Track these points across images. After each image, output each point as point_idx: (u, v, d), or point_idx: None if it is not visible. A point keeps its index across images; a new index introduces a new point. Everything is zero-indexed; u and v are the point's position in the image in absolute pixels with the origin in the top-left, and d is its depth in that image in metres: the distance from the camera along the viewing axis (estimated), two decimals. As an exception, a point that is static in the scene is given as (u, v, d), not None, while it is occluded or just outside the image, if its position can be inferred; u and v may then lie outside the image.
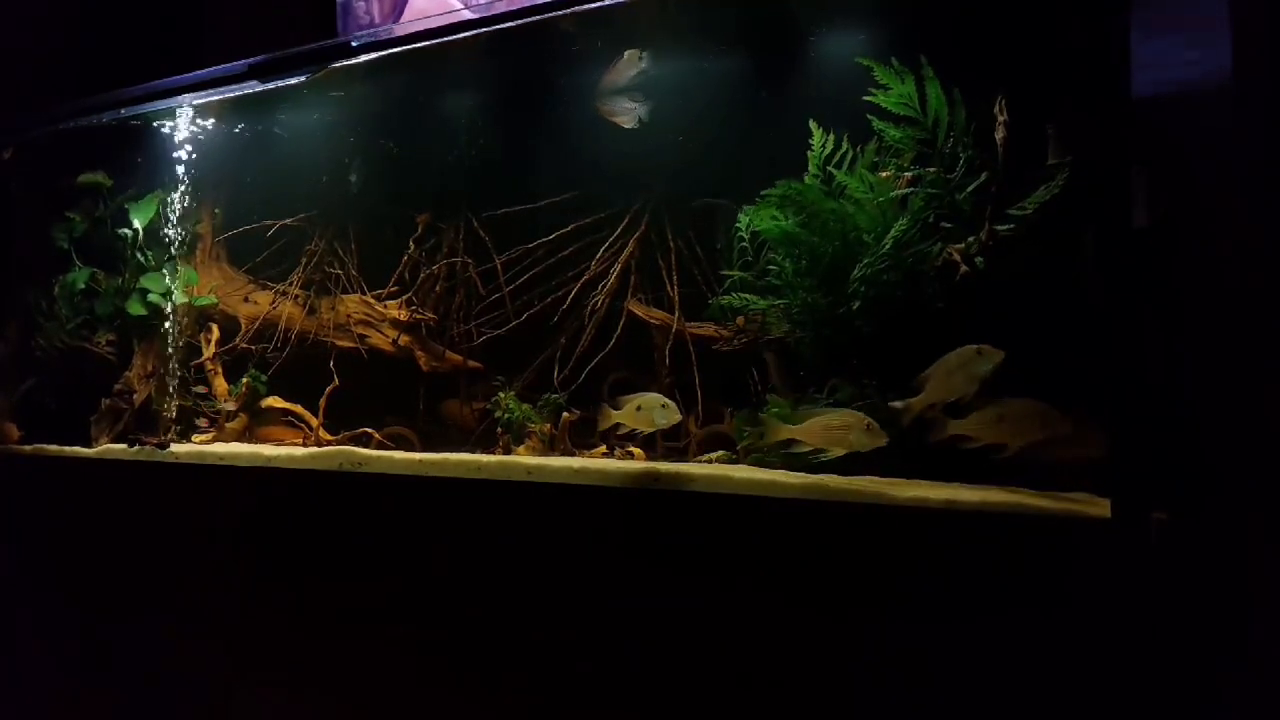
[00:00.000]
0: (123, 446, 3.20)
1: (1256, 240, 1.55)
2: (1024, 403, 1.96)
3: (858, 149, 2.35)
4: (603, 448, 2.68)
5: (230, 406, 3.25)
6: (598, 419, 2.58)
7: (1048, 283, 2.01)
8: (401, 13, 2.89)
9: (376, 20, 2.91)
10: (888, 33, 2.41)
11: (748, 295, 2.48)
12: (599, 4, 2.48)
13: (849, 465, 2.12)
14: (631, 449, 2.60)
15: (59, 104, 3.46)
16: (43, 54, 3.68)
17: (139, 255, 3.49)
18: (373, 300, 3.24)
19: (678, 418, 2.52)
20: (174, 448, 3.12)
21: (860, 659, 1.82)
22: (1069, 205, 1.99)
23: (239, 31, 3.19)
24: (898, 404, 2.09)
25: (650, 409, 2.51)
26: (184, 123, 3.58)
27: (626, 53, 2.77)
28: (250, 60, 2.97)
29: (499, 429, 2.81)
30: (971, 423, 2.00)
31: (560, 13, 2.54)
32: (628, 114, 2.76)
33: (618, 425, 2.55)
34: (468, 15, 2.66)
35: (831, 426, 2.11)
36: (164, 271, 3.48)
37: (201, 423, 3.31)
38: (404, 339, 3.15)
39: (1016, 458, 1.96)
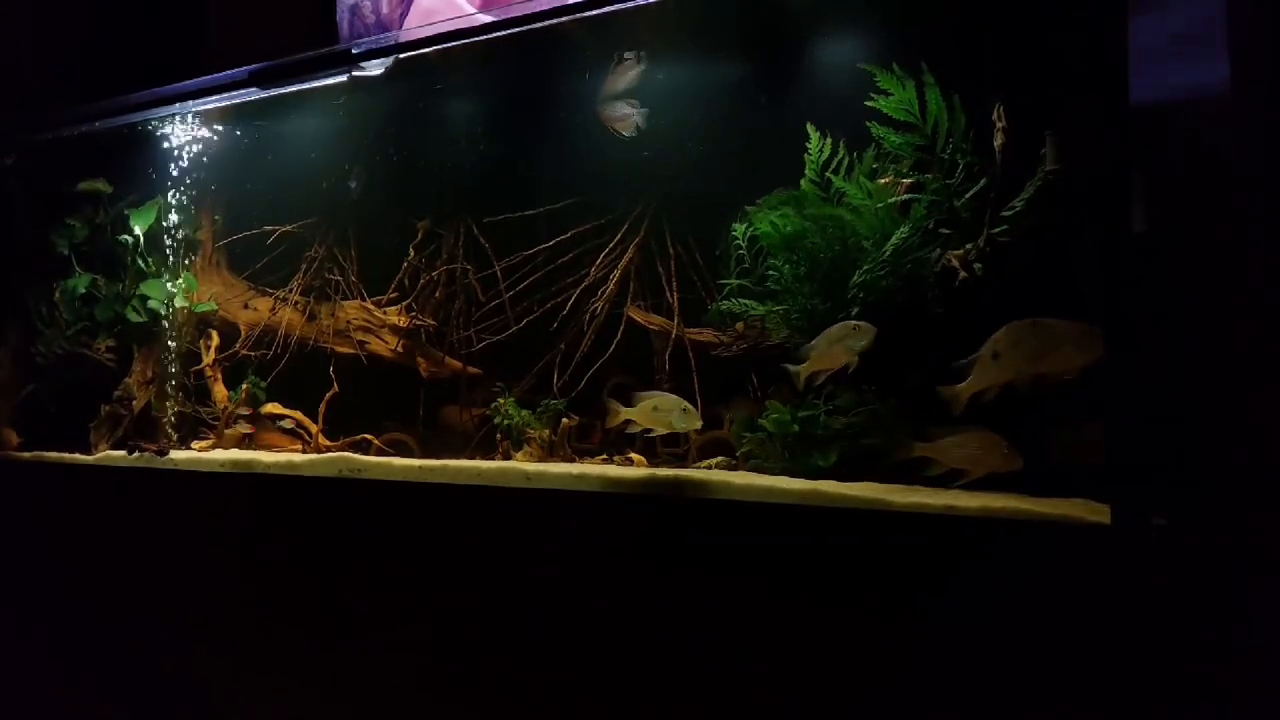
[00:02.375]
0: (122, 453, 3.20)
1: (1255, 245, 1.55)
2: (986, 434, 2.01)
3: (853, 155, 2.35)
4: (603, 455, 2.68)
5: (288, 424, 3.23)
6: (606, 415, 2.56)
7: (1046, 287, 2.01)
8: (408, 9, 2.89)
9: (384, 13, 2.90)
10: (886, 39, 2.41)
11: (747, 300, 2.48)
12: (599, 10, 2.49)
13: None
14: (631, 455, 2.60)
15: (60, 110, 3.47)
16: (44, 60, 3.69)
17: (139, 261, 3.50)
18: (372, 306, 3.24)
19: (699, 423, 2.46)
20: (173, 454, 3.12)
21: (860, 665, 1.82)
22: (1067, 210, 1.99)
23: (241, 38, 3.20)
24: (790, 367, 2.28)
25: (668, 411, 2.46)
26: (185, 129, 3.60)
27: (625, 58, 2.78)
28: (251, 67, 2.98)
29: (498, 435, 2.81)
30: (937, 448, 2.06)
31: (560, 19, 2.55)
32: (627, 120, 2.76)
33: (627, 423, 2.53)
34: (472, 21, 2.66)
35: (970, 447, 2.03)
36: (165, 278, 3.49)
37: (242, 427, 3.28)
38: (403, 345, 3.15)
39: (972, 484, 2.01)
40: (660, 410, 2.47)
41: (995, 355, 2.00)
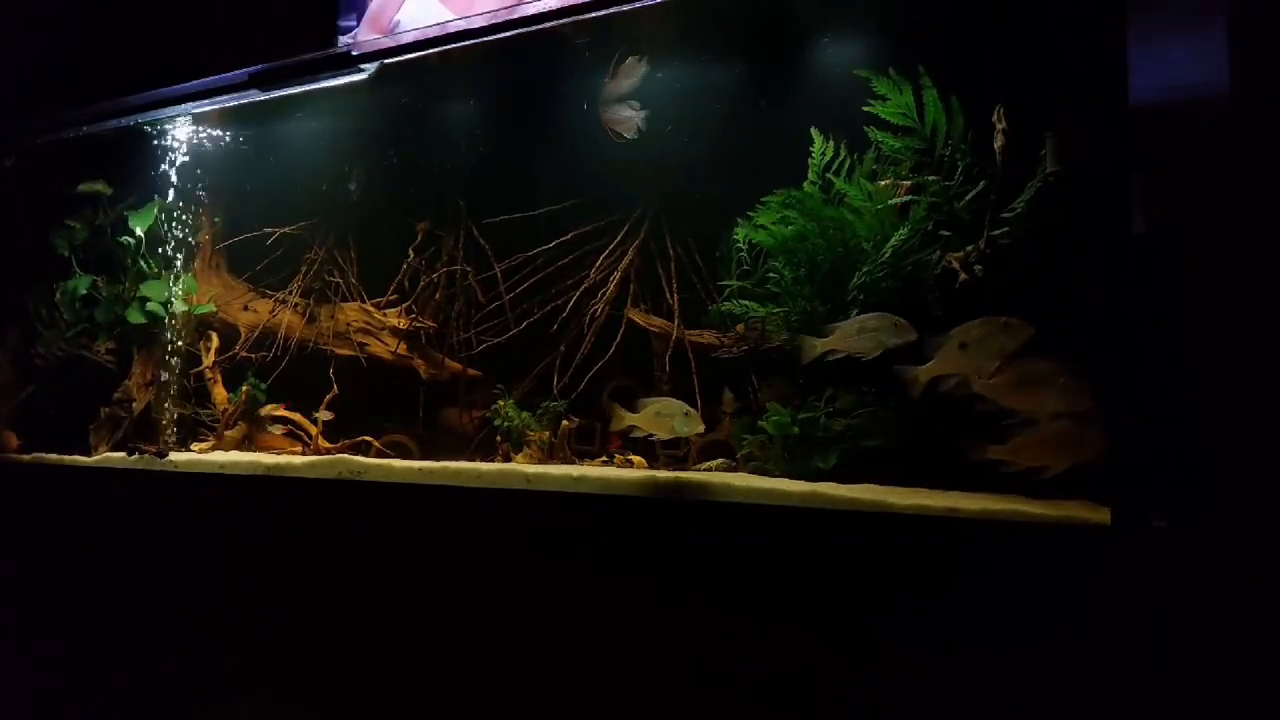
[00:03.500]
0: (122, 455, 3.20)
1: (1255, 247, 1.55)
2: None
3: (854, 157, 2.36)
4: (602, 456, 2.68)
5: (325, 416, 3.20)
6: (611, 418, 2.56)
7: (1046, 288, 2.01)
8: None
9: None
10: (886, 42, 2.41)
11: (747, 302, 2.48)
12: (599, 13, 2.49)
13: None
14: (631, 457, 2.59)
15: (60, 111, 3.47)
16: (44, 61, 3.69)
17: (139, 263, 3.49)
18: (372, 308, 3.24)
19: (700, 428, 2.47)
20: (173, 456, 3.12)
21: (860, 667, 1.82)
22: (1067, 211, 1.99)
23: (241, 40, 3.19)
24: (808, 339, 2.28)
25: (671, 415, 2.46)
26: (185, 131, 3.60)
27: (627, 61, 2.78)
28: (250, 69, 2.98)
29: (498, 437, 2.81)
30: (1011, 449, 2.00)
31: (561, 21, 2.55)
32: (628, 123, 2.76)
33: (631, 427, 2.53)
34: (477, 22, 2.66)
35: (1044, 443, 1.96)
36: (166, 279, 3.49)
37: (276, 429, 3.24)
38: (403, 347, 3.15)
39: (1059, 477, 1.94)
40: (663, 415, 2.47)
41: (963, 345, 2.01)
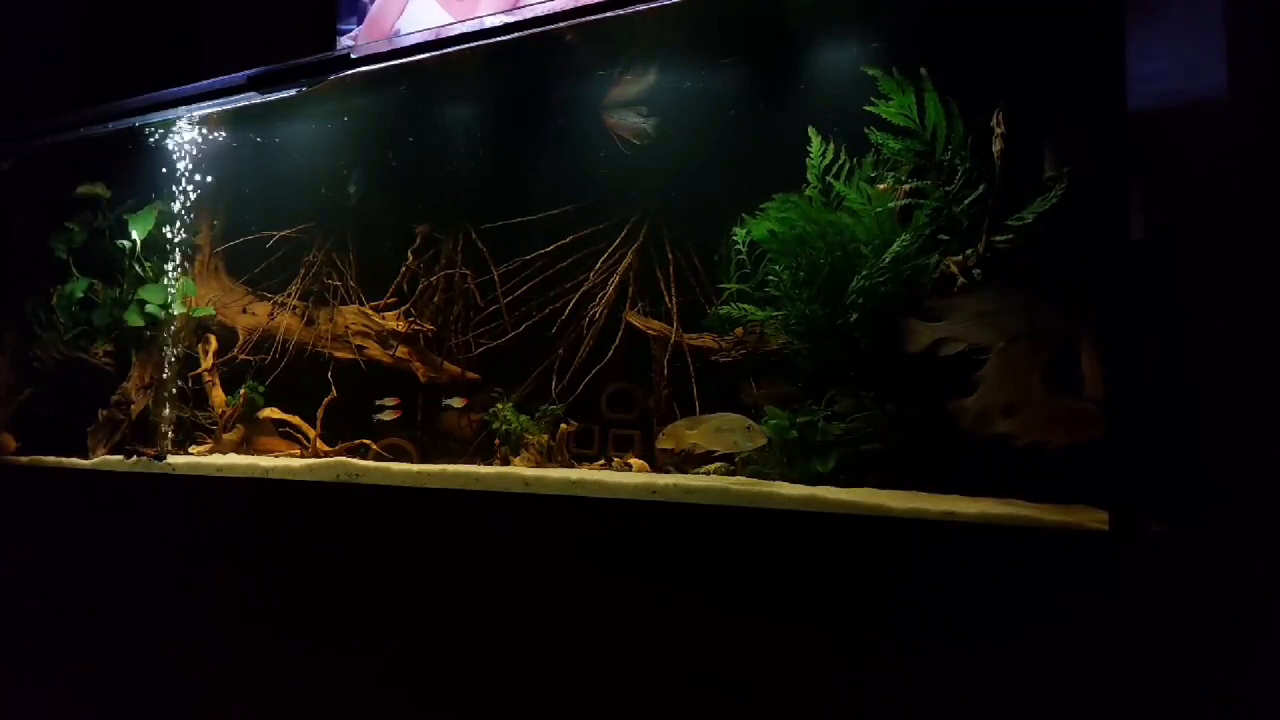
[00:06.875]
0: (119, 457, 3.20)
1: (1254, 249, 1.55)
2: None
3: (854, 160, 2.36)
4: (601, 460, 2.67)
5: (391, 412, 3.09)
6: (673, 439, 2.46)
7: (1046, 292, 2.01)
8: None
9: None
10: (884, 45, 2.41)
11: (746, 306, 2.48)
12: (600, 16, 2.49)
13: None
14: (630, 460, 2.59)
15: (59, 114, 3.47)
16: (42, 64, 3.69)
17: (137, 266, 3.49)
18: (371, 311, 3.23)
19: (763, 441, 2.34)
20: (171, 459, 3.12)
21: (857, 671, 1.82)
22: (1066, 215, 1.99)
23: (239, 43, 3.20)
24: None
25: (733, 431, 2.36)
26: (183, 134, 3.60)
27: (633, 68, 2.77)
28: (249, 72, 2.98)
29: (496, 440, 2.81)
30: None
31: (561, 24, 2.55)
32: (635, 128, 2.76)
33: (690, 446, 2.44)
34: (470, 27, 2.66)
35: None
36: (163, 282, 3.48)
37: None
38: (402, 350, 3.14)
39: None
40: (723, 430, 2.38)
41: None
